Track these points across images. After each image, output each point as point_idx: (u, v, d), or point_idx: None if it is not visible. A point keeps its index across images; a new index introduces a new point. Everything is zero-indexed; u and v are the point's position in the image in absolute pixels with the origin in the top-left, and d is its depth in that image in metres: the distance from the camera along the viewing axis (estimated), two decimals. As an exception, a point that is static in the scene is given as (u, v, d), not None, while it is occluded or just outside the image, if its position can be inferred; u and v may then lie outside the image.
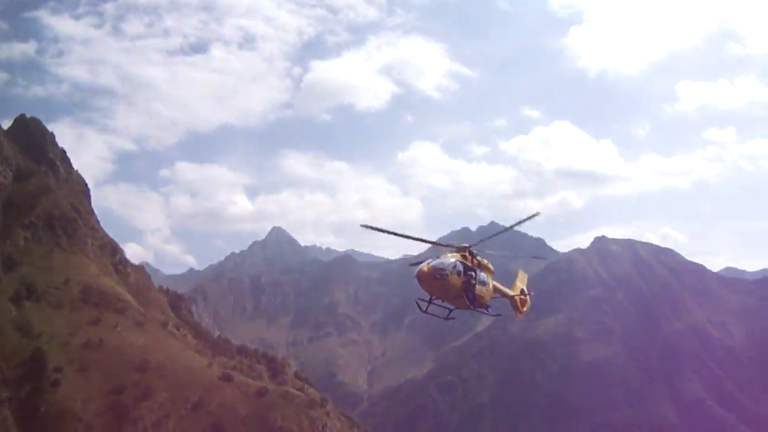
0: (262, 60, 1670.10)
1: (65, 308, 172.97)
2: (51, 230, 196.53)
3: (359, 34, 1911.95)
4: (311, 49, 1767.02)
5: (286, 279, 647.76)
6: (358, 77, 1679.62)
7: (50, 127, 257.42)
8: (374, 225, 42.43)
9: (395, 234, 41.55)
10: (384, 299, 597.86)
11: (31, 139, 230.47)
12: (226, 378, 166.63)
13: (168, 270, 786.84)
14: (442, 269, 39.42)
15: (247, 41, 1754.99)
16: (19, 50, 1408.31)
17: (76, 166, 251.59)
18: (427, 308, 42.65)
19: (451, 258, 40.94)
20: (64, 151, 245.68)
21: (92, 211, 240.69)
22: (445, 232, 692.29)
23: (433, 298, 41.41)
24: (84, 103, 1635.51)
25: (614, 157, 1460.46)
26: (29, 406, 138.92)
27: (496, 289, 47.10)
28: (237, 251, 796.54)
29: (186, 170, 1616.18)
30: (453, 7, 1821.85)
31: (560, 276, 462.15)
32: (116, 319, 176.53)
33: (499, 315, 50.41)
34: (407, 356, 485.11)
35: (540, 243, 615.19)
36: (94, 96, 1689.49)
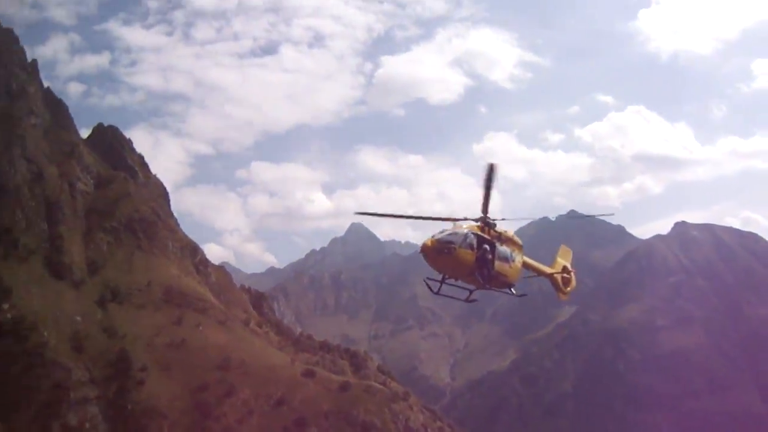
0: (332, 58, 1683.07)
1: (148, 309, 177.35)
2: (132, 234, 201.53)
3: (428, 27, 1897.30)
4: (381, 44, 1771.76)
5: (366, 274, 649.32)
6: (429, 71, 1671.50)
7: (127, 134, 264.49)
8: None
9: (394, 216, 38.94)
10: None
11: (110, 147, 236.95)
12: (309, 374, 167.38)
13: (249, 269, 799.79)
14: (450, 242, 34.89)
15: (317, 40, 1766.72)
16: (93, 62, 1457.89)
17: (154, 170, 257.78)
18: (439, 289, 39.13)
19: (464, 229, 36.13)
20: (142, 157, 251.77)
21: (172, 213, 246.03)
22: (524, 222, 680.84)
23: (446, 276, 37.27)
24: (158, 109, 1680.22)
25: (691, 140, 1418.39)
26: (116, 404, 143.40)
27: (527, 266, 42.89)
28: (317, 248, 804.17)
29: (262, 170, 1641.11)
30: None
31: (641, 263, 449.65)
32: (198, 318, 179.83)
33: (525, 295, 44.07)
34: (489, 348, 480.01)
35: (620, 230, 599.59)
36: (168, 102, 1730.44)
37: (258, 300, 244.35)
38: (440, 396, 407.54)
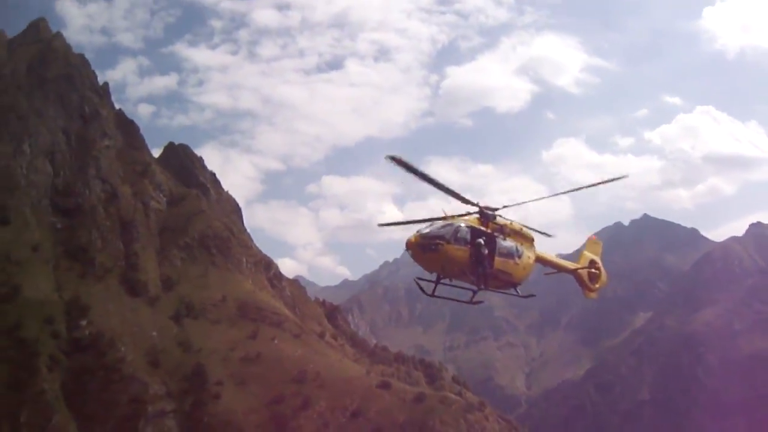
0: (398, 71, 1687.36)
1: (223, 324, 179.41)
2: (206, 250, 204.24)
3: (491, 36, 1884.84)
4: (446, 55, 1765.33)
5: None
6: (495, 79, 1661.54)
7: (198, 152, 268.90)
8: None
9: (414, 221, 35.64)
10: (539, 299, 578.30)
11: (182, 165, 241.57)
12: (384, 385, 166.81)
13: (323, 282, 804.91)
14: (437, 236, 31.16)
15: (382, 54, 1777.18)
16: (161, 83, 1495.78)
17: (225, 187, 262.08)
18: (434, 290, 34.77)
19: (457, 221, 32.51)
20: (213, 174, 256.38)
21: (245, 229, 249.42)
22: (597, 228, 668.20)
23: (441, 276, 33.38)
24: (227, 127, 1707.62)
25: (763, 139, 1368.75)
26: (193, 417, 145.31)
27: (544, 261, 38.47)
28: (390, 259, 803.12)
29: (333, 184, 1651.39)
30: (582, 0, 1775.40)
31: (716, 266, 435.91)
32: (273, 332, 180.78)
33: (533, 295, 40.08)
34: (564, 356, 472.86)
35: (694, 233, 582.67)
36: (237, 119, 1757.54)
37: (332, 312, 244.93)
38: (516, 405, 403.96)
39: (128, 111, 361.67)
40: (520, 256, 34.60)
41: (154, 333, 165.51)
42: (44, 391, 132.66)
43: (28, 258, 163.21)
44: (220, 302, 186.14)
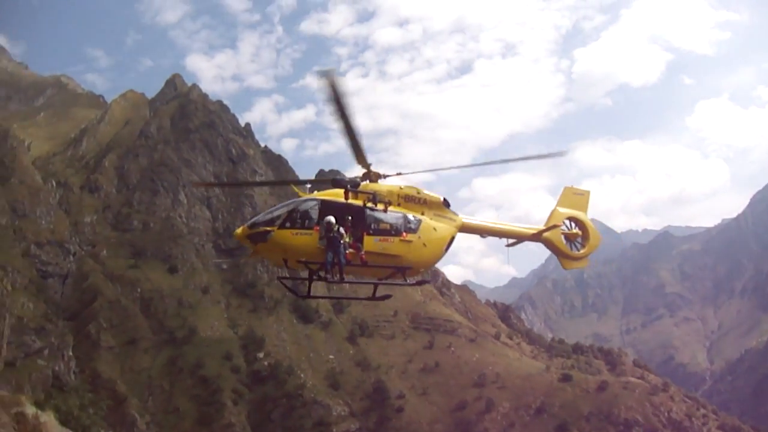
0: (528, 63, 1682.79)
1: (398, 338, 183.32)
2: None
3: (612, 11, 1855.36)
4: (571, 39, 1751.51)
5: (608, 269, 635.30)
6: (624, 54, 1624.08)
7: (348, 174, 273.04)
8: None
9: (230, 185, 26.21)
10: (710, 270, 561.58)
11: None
12: (565, 378, 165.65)
13: (491, 283, 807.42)
14: (264, 221, 25.92)
15: (508, 49, 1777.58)
16: (300, 117, 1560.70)
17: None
18: (308, 290, 28.33)
19: (300, 198, 26.90)
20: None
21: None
22: (756, 188, 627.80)
23: (316, 270, 26.05)
24: (372, 146, 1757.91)
25: None
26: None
27: (476, 229, 31.39)
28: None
29: (484, 185, 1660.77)
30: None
31: None
32: (449, 339, 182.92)
33: (427, 281, 32.62)
34: (744, 325, 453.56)
35: None
36: (380, 138, 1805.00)
37: (505, 312, 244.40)
38: (700, 382, 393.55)
39: (273, 147, 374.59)
40: (413, 230, 27.37)
41: (331, 356, 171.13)
42: (232, 424, 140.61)
43: (200, 300, 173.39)
44: (393, 317, 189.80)
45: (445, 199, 29.19)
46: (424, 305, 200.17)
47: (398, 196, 27.75)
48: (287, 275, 29.34)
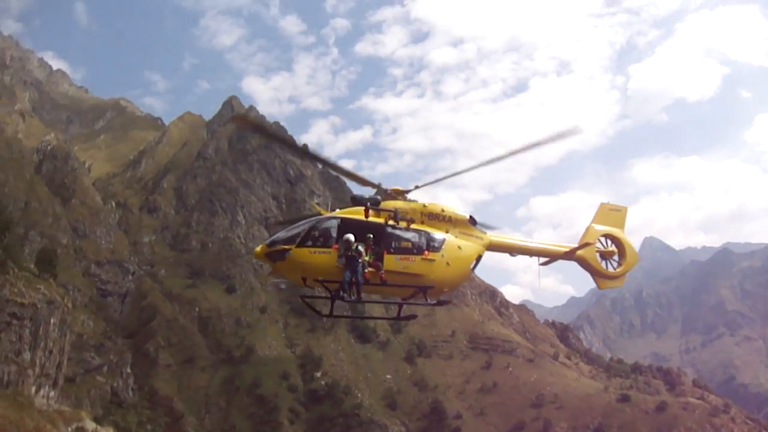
0: (583, 80, 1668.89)
1: (456, 358, 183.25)
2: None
3: (666, 25, 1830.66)
4: (625, 55, 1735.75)
5: (667, 287, 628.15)
6: (680, 69, 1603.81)
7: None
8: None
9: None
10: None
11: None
12: (624, 399, 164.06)
13: (549, 303, 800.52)
14: (283, 240, 25.24)
15: (563, 67, 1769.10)
16: (356, 137, 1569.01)
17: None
18: (331, 310, 27.97)
19: (321, 217, 26.02)
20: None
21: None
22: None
23: (337, 290, 25.10)
24: (428, 166, 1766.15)
25: None
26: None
27: (504, 247, 29.84)
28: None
29: (541, 204, 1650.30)
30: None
31: None
32: (506, 359, 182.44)
33: (448, 302, 29.72)
34: None
35: None
36: (436, 158, 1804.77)
37: (563, 332, 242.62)
38: (763, 403, 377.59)
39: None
40: (436, 249, 26.44)
41: (389, 376, 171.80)
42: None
43: (258, 319, 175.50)
44: (450, 337, 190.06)
45: (471, 216, 28.36)
46: (482, 325, 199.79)
47: (421, 213, 26.97)
48: (308, 294, 28.14)
